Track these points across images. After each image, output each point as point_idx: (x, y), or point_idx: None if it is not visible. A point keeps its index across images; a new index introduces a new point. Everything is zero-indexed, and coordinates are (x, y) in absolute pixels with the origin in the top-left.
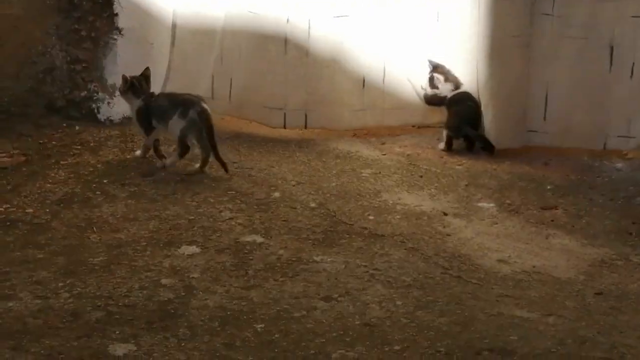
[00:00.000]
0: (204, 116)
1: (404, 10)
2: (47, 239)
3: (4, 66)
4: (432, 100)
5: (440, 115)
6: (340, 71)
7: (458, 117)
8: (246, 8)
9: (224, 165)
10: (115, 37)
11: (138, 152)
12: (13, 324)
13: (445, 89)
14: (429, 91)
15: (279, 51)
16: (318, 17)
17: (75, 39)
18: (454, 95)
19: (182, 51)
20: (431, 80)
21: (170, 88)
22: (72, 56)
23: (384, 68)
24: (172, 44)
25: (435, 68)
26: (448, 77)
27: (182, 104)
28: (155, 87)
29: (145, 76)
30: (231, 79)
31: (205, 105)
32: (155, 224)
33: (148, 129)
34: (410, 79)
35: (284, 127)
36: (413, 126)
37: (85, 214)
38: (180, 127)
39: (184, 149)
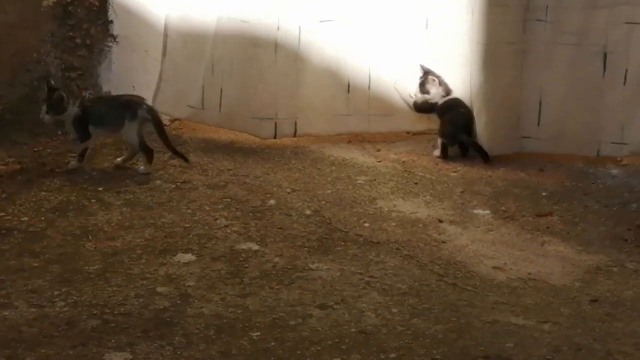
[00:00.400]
0: (153, 113)
1: (391, 17)
2: (43, 247)
3: None
4: (422, 108)
5: (428, 122)
6: (326, 76)
7: (452, 125)
8: (238, 17)
9: (182, 156)
10: (110, 44)
11: (72, 163)
12: (8, 332)
13: (436, 94)
14: (420, 97)
15: (270, 59)
16: (307, 23)
17: (70, 47)
18: (444, 102)
19: (173, 61)
20: (422, 85)
21: (162, 99)
22: (66, 63)
23: (369, 74)
24: (164, 53)
25: (427, 73)
26: (440, 82)
27: (127, 106)
28: (148, 97)
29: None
30: (221, 89)
31: (149, 103)
32: (150, 232)
33: (85, 135)
34: (397, 86)
35: (275, 137)
36: (408, 133)
37: (80, 222)
38: (135, 130)
39: (149, 153)
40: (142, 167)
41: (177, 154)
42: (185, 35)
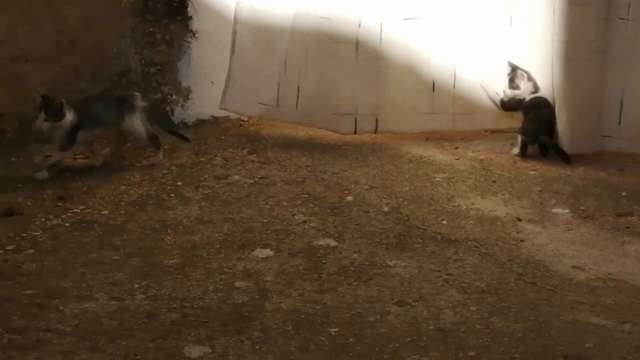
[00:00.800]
0: (150, 104)
1: (476, 14)
2: (123, 241)
3: (79, 68)
4: (509, 105)
5: (511, 121)
6: (409, 74)
7: (535, 124)
8: (318, 13)
9: (183, 136)
10: (189, 40)
11: (42, 173)
12: (89, 324)
13: (526, 89)
14: (509, 93)
15: (351, 56)
16: (389, 20)
17: (150, 42)
18: (530, 100)
19: (242, 58)
20: (511, 80)
21: (231, 97)
22: (146, 59)
23: (455, 72)
24: (232, 51)
25: (515, 70)
26: (529, 77)
27: (124, 101)
28: (219, 92)
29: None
30: (298, 87)
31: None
32: (229, 227)
33: (72, 142)
34: (483, 84)
35: (355, 132)
36: (486, 131)
37: (159, 216)
38: (139, 121)
39: (157, 141)
40: (153, 159)
41: (178, 135)
42: (256, 31)
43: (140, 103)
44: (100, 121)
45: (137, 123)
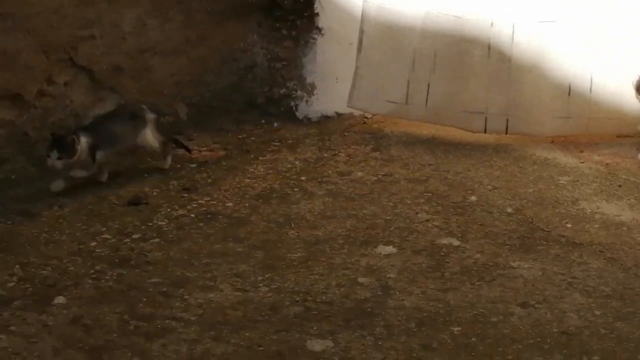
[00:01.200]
0: (153, 113)
1: (611, 16)
2: (247, 233)
3: (207, 61)
4: None
5: None
6: (543, 77)
7: None
8: (450, 12)
9: (185, 147)
10: (315, 36)
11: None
12: (214, 314)
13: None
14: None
15: (483, 55)
16: (522, 22)
17: (276, 38)
18: None
19: (369, 57)
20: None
21: (357, 95)
22: (272, 54)
23: (592, 76)
24: (359, 50)
25: None
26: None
27: (135, 115)
28: (343, 89)
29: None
30: (428, 84)
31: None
32: (352, 223)
33: (94, 158)
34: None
35: (485, 131)
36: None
37: (283, 210)
38: (153, 133)
39: (167, 148)
40: (159, 163)
41: (180, 144)
42: (384, 30)
43: (150, 116)
44: (114, 141)
45: (149, 136)
